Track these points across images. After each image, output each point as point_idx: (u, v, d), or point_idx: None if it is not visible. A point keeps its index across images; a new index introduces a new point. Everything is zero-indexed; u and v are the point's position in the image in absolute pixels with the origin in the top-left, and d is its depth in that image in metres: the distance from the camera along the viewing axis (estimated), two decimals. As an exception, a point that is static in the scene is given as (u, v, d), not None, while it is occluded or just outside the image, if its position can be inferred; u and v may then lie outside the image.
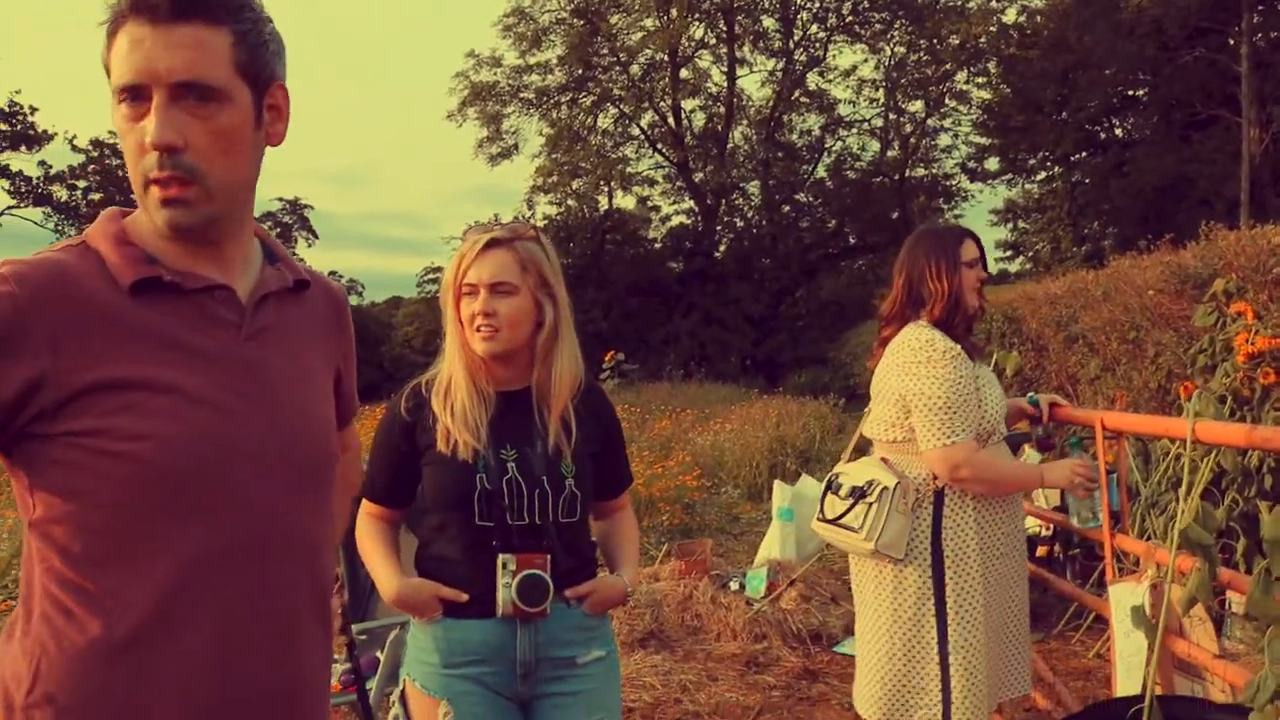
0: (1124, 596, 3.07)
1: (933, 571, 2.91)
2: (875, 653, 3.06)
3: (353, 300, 42.28)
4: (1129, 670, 3.06)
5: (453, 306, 2.26)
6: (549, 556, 2.19)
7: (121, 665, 1.25)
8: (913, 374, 2.93)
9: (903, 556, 2.93)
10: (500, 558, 2.17)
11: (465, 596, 2.19)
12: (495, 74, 34.98)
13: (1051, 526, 5.62)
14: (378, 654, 3.78)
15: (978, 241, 3.10)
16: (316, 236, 40.89)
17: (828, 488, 3.16)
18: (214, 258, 1.37)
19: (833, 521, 3.06)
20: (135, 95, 1.25)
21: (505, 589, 2.16)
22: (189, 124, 1.26)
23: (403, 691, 2.28)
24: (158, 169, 1.25)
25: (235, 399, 1.33)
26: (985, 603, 2.92)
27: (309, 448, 1.44)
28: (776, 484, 7.07)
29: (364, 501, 2.39)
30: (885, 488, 2.92)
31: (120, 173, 36.55)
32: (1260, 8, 27.67)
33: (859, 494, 2.98)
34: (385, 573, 2.27)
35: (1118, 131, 34.54)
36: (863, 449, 3.28)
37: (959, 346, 2.94)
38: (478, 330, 2.20)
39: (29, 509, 1.26)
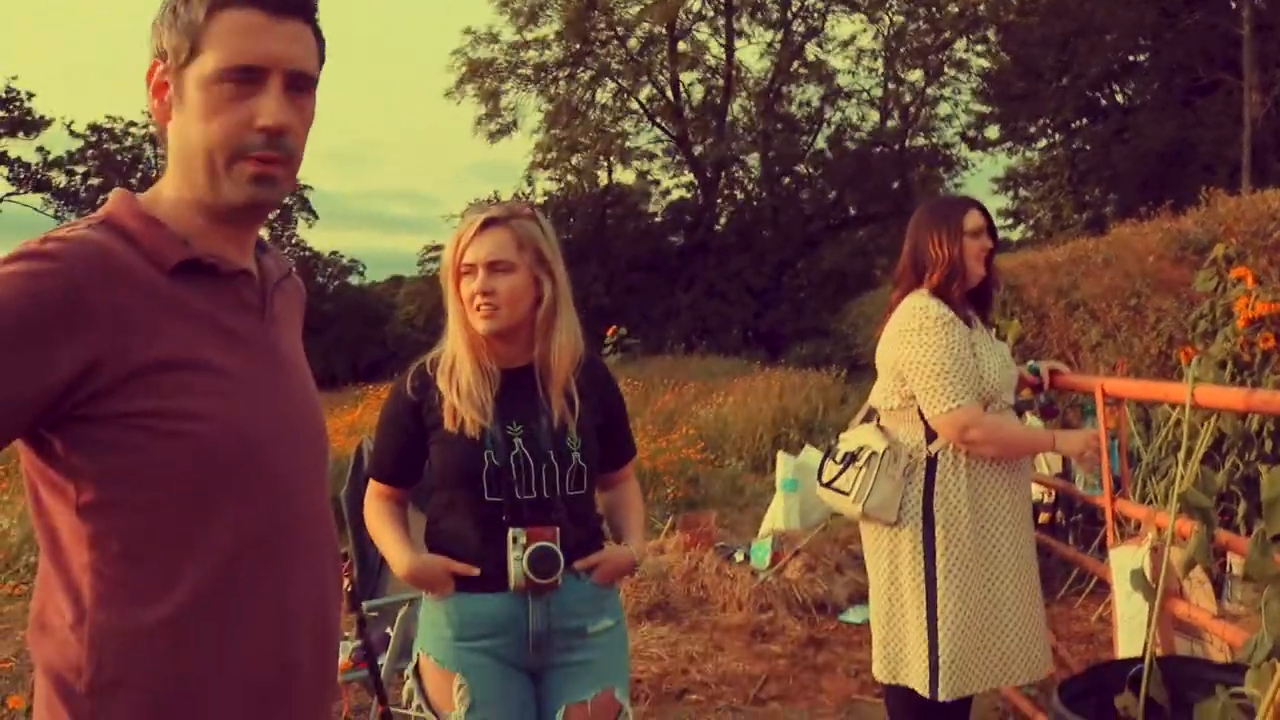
0: (1124, 560, 3.10)
1: (924, 536, 2.98)
2: (876, 614, 3.15)
3: (354, 280, 42.31)
4: (1130, 633, 3.09)
5: (453, 286, 2.29)
6: (558, 529, 2.23)
7: (190, 643, 1.26)
8: (907, 342, 2.98)
9: (895, 521, 3.01)
10: (510, 532, 2.21)
11: (477, 571, 2.23)
12: (492, 50, 34.83)
13: (1054, 493, 5.66)
14: (388, 630, 3.83)
15: (984, 212, 3.13)
16: (316, 217, 40.72)
17: (827, 453, 3.24)
18: (239, 243, 1.40)
19: (828, 485, 3.14)
20: (247, 77, 1.30)
21: (516, 562, 2.20)
22: (293, 111, 1.33)
23: (416, 666, 2.32)
24: (265, 148, 1.30)
25: (268, 381, 1.37)
26: (980, 571, 2.97)
27: (320, 426, 1.51)
28: (780, 455, 7.11)
29: (371, 481, 2.42)
30: (875, 452, 3.00)
31: (119, 157, 36.45)
32: (1261, -31, 27.49)
33: (850, 459, 3.07)
34: (397, 550, 2.30)
35: (1119, 98, 34.36)
36: (871, 417, 3.32)
37: (953, 313, 2.98)
38: (478, 309, 2.23)
39: (69, 494, 1.24)
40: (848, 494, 3.03)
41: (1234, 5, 28.32)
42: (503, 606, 2.23)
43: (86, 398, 1.20)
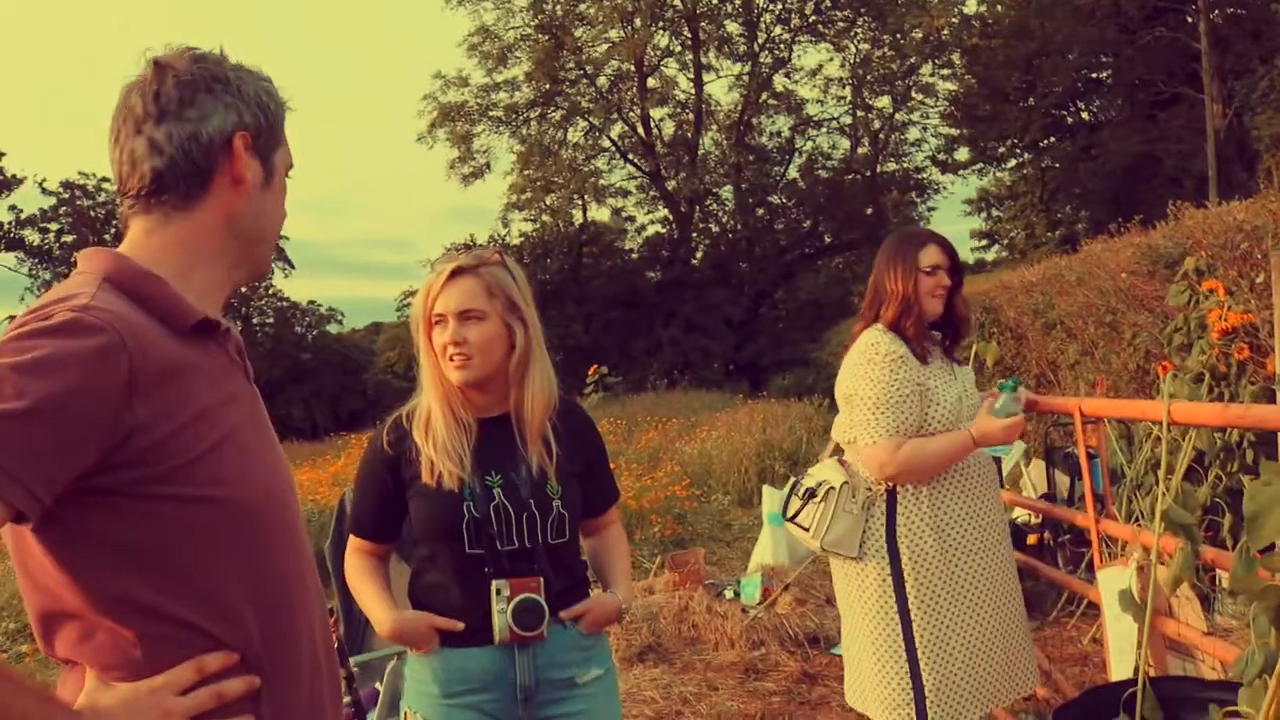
0: (1112, 581, 3.10)
1: (891, 570, 2.96)
2: (854, 648, 3.13)
3: (332, 328, 42.15)
4: (1121, 653, 3.09)
5: (425, 337, 2.27)
6: (542, 579, 2.20)
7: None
8: (855, 375, 3.02)
9: (857, 555, 3.00)
10: (494, 584, 2.18)
11: (461, 626, 2.20)
12: (463, 94, 34.98)
13: (1040, 514, 5.66)
14: (376, 685, 3.79)
15: (944, 247, 3.11)
16: (293, 267, 40.64)
17: (792, 488, 3.24)
18: (223, 303, 1.44)
19: (791, 520, 3.15)
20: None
21: (501, 615, 2.17)
22: None
23: (404, 723, 2.28)
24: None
25: (266, 436, 1.41)
26: (951, 600, 2.94)
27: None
28: (765, 489, 7.09)
29: (351, 538, 2.39)
30: (832, 487, 3.01)
31: (92, 213, 36.39)
32: (1216, -16, 28.00)
33: (810, 494, 3.07)
34: (379, 608, 2.27)
35: (1084, 115, 34.82)
36: (840, 451, 3.31)
37: (904, 349, 2.98)
38: (451, 359, 2.21)
39: (98, 576, 1.21)
40: (807, 529, 3.05)
41: (1190, 20, 28.78)
42: (489, 660, 2.19)
43: (110, 468, 1.18)
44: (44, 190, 36.06)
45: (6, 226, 35.54)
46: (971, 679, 2.95)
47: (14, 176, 34.99)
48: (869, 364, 2.98)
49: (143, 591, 1.22)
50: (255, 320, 39.44)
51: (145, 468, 1.20)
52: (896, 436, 2.92)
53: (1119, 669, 3.07)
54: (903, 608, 2.95)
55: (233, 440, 1.29)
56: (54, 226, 36.49)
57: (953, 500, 2.99)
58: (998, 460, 3.41)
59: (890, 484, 2.98)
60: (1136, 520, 4.67)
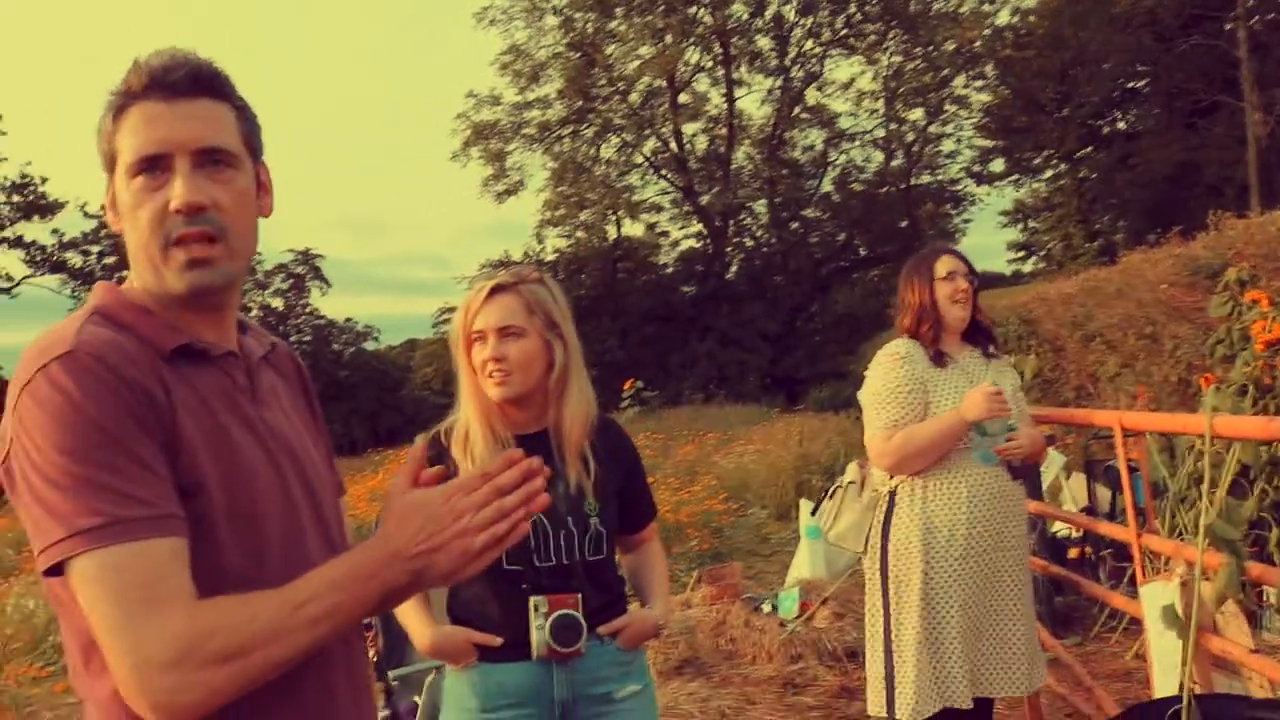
0: (1155, 597, 3.06)
1: (880, 565, 3.14)
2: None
3: (369, 345, 42.32)
4: (1166, 670, 3.05)
5: (464, 354, 2.29)
6: (580, 595, 2.21)
7: (233, 711, 1.22)
8: (867, 376, 3.23)
9: (862, 550, 3.21)
10: (531, 600, 2.19)
11: (499, 641, 2.21)
12: (495, 112, 35.26)
13: (1081, 528, 5.60)
14: (415, 699, 3.79)
15: (959, 256, 3.28)
16: (330, 285, 40.86)
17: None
18: (216, 324, 1.39)
19: (812, 513, 3.33)
20: (154, 166, 1.30)
21: (539, 631, 2.18)
22: (212, 187, 1.31)
23: (443, 739, 2.29)
24: (186, 226, 1.29)
25: (269, 462, 1.37)
26: (928, 601, 3.05)
27: (329, 503, 1.49)
28: (802, 502, 7.06)
29: (391, 553, 2.40)
30: (841, 485, 3.25)
31: (134, 235, 36.76)
32: (1254, -9, 27.74)
33: (830, 493, 3.32)
34: (418, 623, 2.28)
35: (1121, 125, 34.54)
36: None
37: (911, 350, 3.15)
38: (490, 376, 2.23)
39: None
40: (824, 525, 3.29)
41: (1229, 27, 28.51)
42: (527, 676, 2.20)
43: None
44: (85, 214, 36.56)
45: (49, 250, 36.05)
46: (935, 674, 3.05)
47: (56, 201, 35.53)
48: (876, 364, 3.19)
49: None
50: (293, 338, 39.70)
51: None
52: (891, 428, 3.08)
53: (1163, 686, 3.03)
54: (885, 601, 3.13)
55: (205, 460, 1.28)
56: (95, 249, 36.96)
57: (945, 508, 3.09)
58: (1024, 477, 3.34)
59: (897, 484, 3.13)
60: (1180, 535, 4.62)
